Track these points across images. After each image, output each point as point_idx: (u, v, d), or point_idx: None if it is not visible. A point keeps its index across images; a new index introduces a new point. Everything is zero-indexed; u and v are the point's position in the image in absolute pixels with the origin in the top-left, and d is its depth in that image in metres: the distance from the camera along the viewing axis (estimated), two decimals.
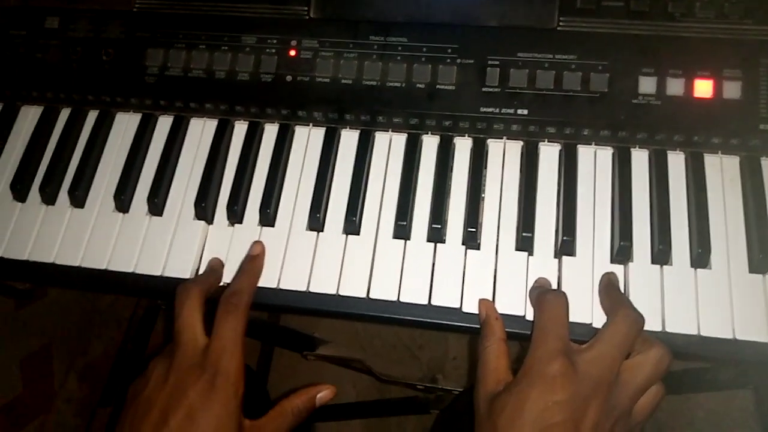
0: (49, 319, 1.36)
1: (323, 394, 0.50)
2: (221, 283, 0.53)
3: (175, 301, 0.49)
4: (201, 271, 0.54)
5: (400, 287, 0.51)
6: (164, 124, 0.60)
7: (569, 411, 0.41)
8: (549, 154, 0.55)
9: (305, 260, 0.53)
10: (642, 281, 0.49)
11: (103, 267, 0.55)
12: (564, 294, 0.47)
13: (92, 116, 0.62)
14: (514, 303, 0.50)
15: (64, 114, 0.62)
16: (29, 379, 1.30)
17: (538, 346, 0.44)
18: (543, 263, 0.51)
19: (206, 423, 0.43)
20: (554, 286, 0.50)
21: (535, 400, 0.42)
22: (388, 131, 0.58)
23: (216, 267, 0.54)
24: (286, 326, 1.19)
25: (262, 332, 1.08)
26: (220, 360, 0.45)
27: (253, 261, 0.53)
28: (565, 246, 0.51)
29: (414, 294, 0.51)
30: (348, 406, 1.17)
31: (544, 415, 0.41)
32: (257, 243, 0.54)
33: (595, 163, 0.55)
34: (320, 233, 0.54)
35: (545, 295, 0.47)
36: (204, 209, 0.55)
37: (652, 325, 0.48)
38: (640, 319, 0.45)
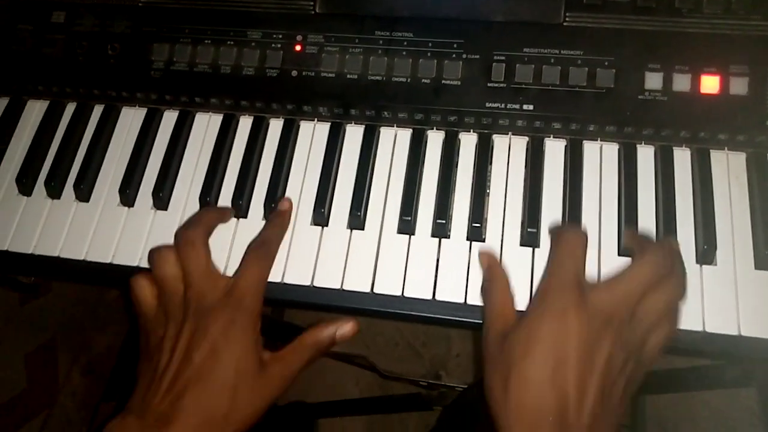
0: (53, 314, 1.37)
1: (345, 330, 0.50)
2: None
3: (179, 251, 0.49)
4: None
5: (404, 282, 0.51)
6: (169, 118, 0.60)
7: (582, 342, 0.41)
8: (554, 149, 0.55)
9: (310, 255, 0.53)
10: None
11: (108, 261, 0.55)
12: (584, 233, 0.46)
13: (98, 111, 0.62)
14: (519, 298, 0.50)
15: (70, 108, 0.62)
16: (33, 374, 1.31)
17: (552, 277, 0.44)
18: (549, 247, 0.51)
19: (229, 357, 0.45)
20: None
21: (547, 331, 0.42)
22: (393, 126, 0.58)
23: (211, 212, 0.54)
24: (289, 322, 1.19)
25: (265, 328, 1.08)
26: (243, 299, 0.47)
27: (282, 215, 0.54)
28: None
29: (418, 289, 0.51)
30: (351, 403, 1.17)
31: (557, 346, 0.41)
32: (286, 199, 0.55)
33: (600, 158, 0.54)
34: (325, 228, 0.54)
35: (565, 232, 0.47)
36: (209, 204, 0.56)
37: None
38: (666, 261, 0.44)
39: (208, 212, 0.54)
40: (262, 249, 0.50)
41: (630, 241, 0.50)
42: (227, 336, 0.45)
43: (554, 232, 0.49)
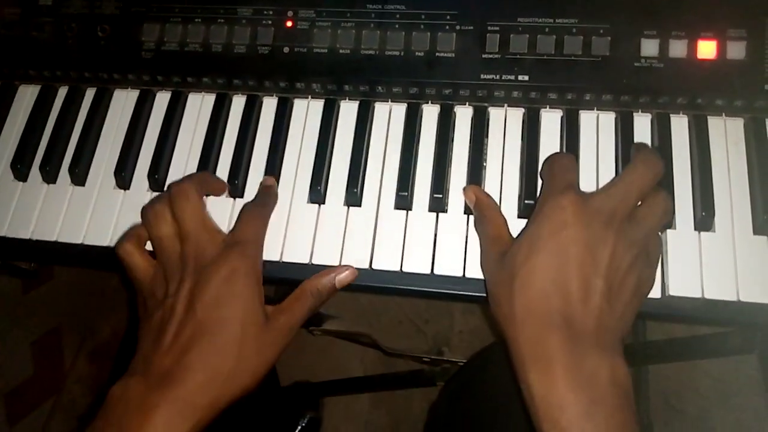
0: (58, 301, 1.38)
1: (343, 276, 0.50)
2: None
3: (173, 205, 0.48)
4: None
5: (402, 257, 0.51)
6: (162, 99, 0.60)
7: (583, 241, 0.41)
8: (551, 120, 0.55)
9: (307, 233, 0.53)
10: None
11: (105, 244, 0.55)
12: (572, 154, 0.49)
13: (90, 94, 0.61)
14: None
15: (62, 92, 0.62)
16: (39, 361, 1.32)
17: (547, 187, 0.45)
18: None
19: (233, 309, 0.44)
20: None
21: (547, 234, 0.42)
22: (387, 101, 0.57)
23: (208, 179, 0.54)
24: None
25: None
26: (244, 249, 0.46)
27: (268, 188, 0.54)
28: None
29: (416, 264, 0.51)
30: (355, 381, 1.18)
31: (558, 247, 0.41)
32: (267, 178, 0.55)
33: (597, 128, 0.54)
34: (322, 206, 0.54)
35: (555, 154, 0.49)
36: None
37: (655, 288, 0.47)
38: (657, 164, 0.45)
39: (203, 172, 0.55)
40: (258, 206, 0.51)
41: (632, 149, 0.51)
42: (230, 287, 0.44)
43: (546, 158, 0.50)
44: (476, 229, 0.50)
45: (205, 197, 0.55)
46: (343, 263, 0.52)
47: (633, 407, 0.39)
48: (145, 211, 0.50)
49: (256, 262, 0.47)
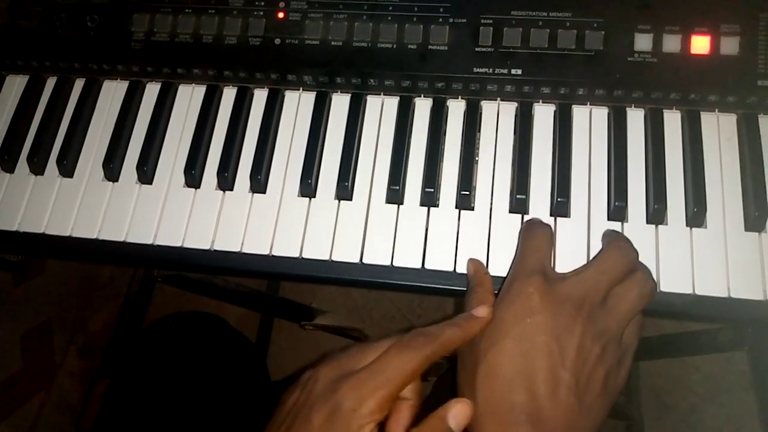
0: (48, 294, 1.37)
1: (456, 410, 0.39)
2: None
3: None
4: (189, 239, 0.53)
5: (393, 251, 0.51)
6: (152, 91, 0.59)
7: (549, 329, 0.39)
8: (543, 114, 0.54)
9: (298, 227, 0.53)
10: (637, 241, 0.48)
11: (93, 236, 0.54)
12: (549, 227, 0.46)
13: (79, 84, 0.60)
14: (508, 266, 0.49)
15: (51, 83, 0.61)
16: (29, 355, 1.31)
17: (517, 267, 0.44)
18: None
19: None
20: None
21: (512, 319, 0.40)
22: (379, 94, 0.57)
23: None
24: (284, 297, 1.20)
25: (260, 303, 1.08)
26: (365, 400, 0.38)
27: (469, 321, 0.42)
28: (560, 207, 0.50)
29: (407, 258, 0.51)
30: None
31: (524, 336, 0.40)
32: (483, 307, 0.43)
33: (590, 123, 0.54)
34: (312, 199, 0.54)
35: (532, 226, 0.47)
36: (194, 177, 0.55)
37: None
38: (631, 251, 0.44)
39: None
40: (416, 338, 0.40)
41: (604, 236, 0.49)
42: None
43: (522, 227, 0.49)
44: (465, 300, 0.46)
45: (193, 191, 0.55)
46: (333, 258, 0.51)
47: None
48: None
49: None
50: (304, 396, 0.40)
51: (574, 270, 0.43)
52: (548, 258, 0.44)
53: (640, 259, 0.45)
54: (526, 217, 0.51)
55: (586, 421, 0.39)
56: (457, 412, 0.39)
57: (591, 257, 0.49)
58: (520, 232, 0.49)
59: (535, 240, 0.45)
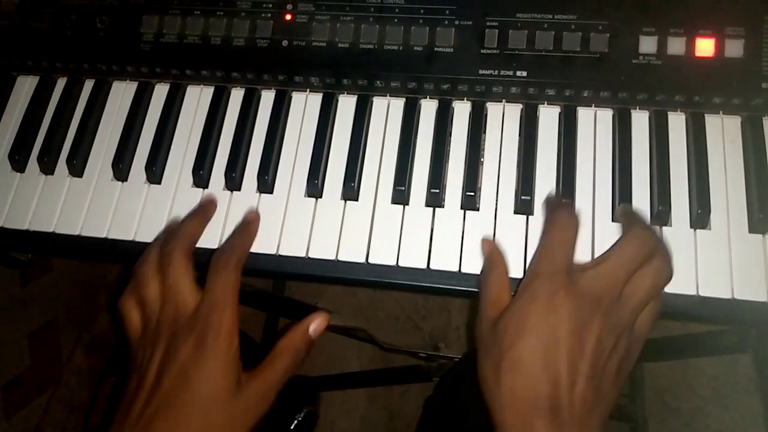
0: (55, 293, 1.38)
1: (316, 324, 0.48)
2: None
3: (159, 264, 0.47)
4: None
5: (399, 252, 0.51)
6: (161, 92, 0.60)
7: (572, 325, 0.41)
8: (548, 116, 0.55)
9: (304, 226, 0.53)
10: None
11: (102, 236, 0.55)
12: (577, 216, 0.46)
13: (89, 85, 0.61)
14: (514, 266, 0.50)
15: (61, 83, 0.62)
16: (37, 353, 1.32)
17: (541, 261, 0.44)
18: (542, 226, 0.51)
19: (199, 380, 0.42)
20: None
21: (537, 316, 0.42)
22: (386, 96, 0.57)
23: (192, 224, 0.51)
24: (289, 297, 1.20)
25: (266, 303, 1.08)
26: (210, 315, 0.44)
27: (248, 224, 0.52)
28: None
29: (413, 258, 0.51)
30: (352, 376, 1.18)
31: (547, 331, 0.41)
32: (253, 211, 0.53)
33: (595, 125, 0.54)
34: (319, 199, 0.54)
35: (559, 215, 0.46)
36: (202, 177, 0.55)
37: None
38: (651, 240, 0.44)
39: (187, 221, 0.51)
40: (223, 258, 0.46)
41: (621, 216, 0.50)
42: (197, 358, 0.43)
43: (549, 206, 0.49)
44: (479, 284, 0.48)
45: (201, 191, 0.55)
46: (339, 258, 0.52)
47: None
48: (134, 269, 0.48)
49: (224, 328, 0.44)
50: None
51: (594, 261, 0.44)
52: (573, 251, 0.45)
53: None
54: (531, 218, 0.51)
55: (600, 406, 0.41)
56: (318, 324, 0.48)
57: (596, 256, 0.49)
58: (546, 211, 0.49)
59: (563, 234, 0.45)
